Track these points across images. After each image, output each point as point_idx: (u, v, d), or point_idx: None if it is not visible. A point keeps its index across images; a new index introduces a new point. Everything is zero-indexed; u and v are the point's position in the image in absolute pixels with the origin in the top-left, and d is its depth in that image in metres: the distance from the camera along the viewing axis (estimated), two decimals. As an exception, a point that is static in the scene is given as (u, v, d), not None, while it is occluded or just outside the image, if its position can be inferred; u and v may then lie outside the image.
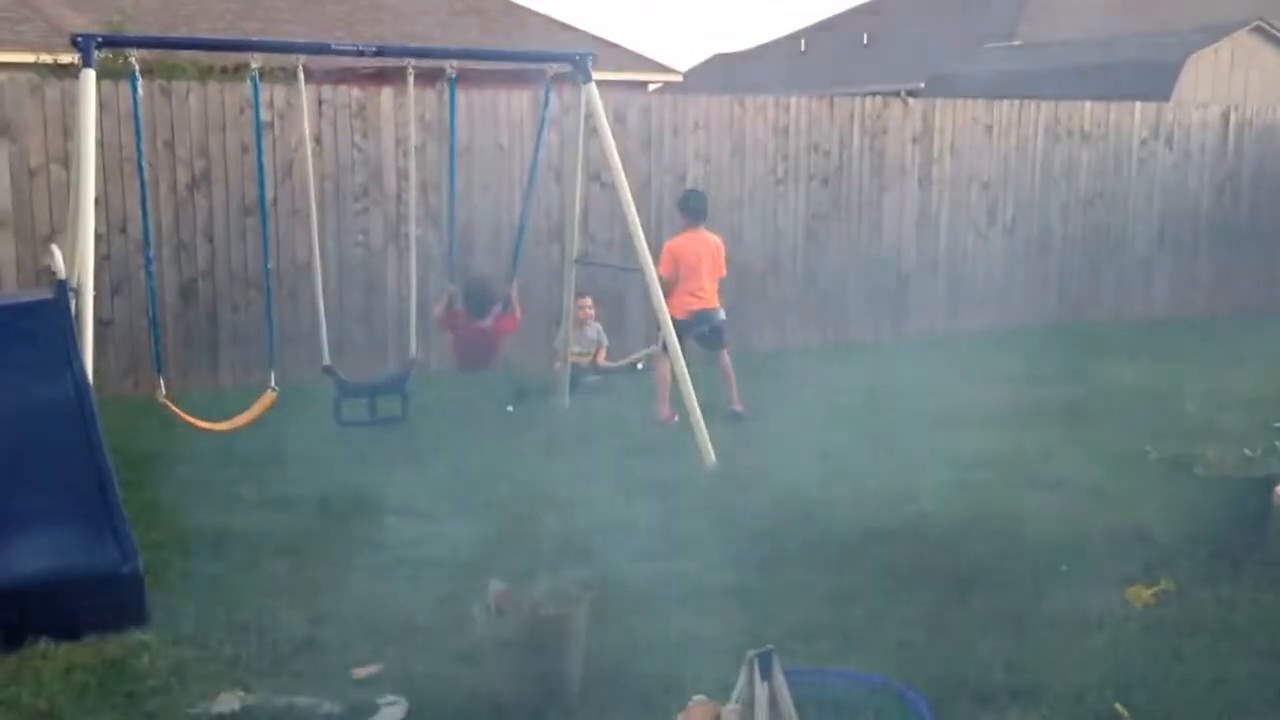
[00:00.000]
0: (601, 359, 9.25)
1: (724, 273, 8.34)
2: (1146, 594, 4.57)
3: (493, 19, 21.47)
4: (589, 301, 9.26)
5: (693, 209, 8.28)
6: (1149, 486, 5.64)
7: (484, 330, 7.68)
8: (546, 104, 7.88)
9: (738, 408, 8.00)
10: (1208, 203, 13.24)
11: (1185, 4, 25.73)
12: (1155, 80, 16.85)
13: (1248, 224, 13.46)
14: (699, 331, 8.06)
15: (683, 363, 7.06)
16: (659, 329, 7.44)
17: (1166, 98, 15.56)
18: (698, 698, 3.59)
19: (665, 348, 7.37)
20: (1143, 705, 3.66)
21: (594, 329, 9.22)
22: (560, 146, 9.71)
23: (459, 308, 7.68)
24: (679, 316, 7.66)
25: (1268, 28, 18.71)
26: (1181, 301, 13.19)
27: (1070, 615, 4.43)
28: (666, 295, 7.48)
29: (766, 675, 3.22)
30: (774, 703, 3.23)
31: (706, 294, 8.07)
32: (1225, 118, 13.25)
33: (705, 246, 8.13)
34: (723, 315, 8.21)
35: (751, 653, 3.24)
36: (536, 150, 8.12)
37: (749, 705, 3.22)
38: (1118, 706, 3.62)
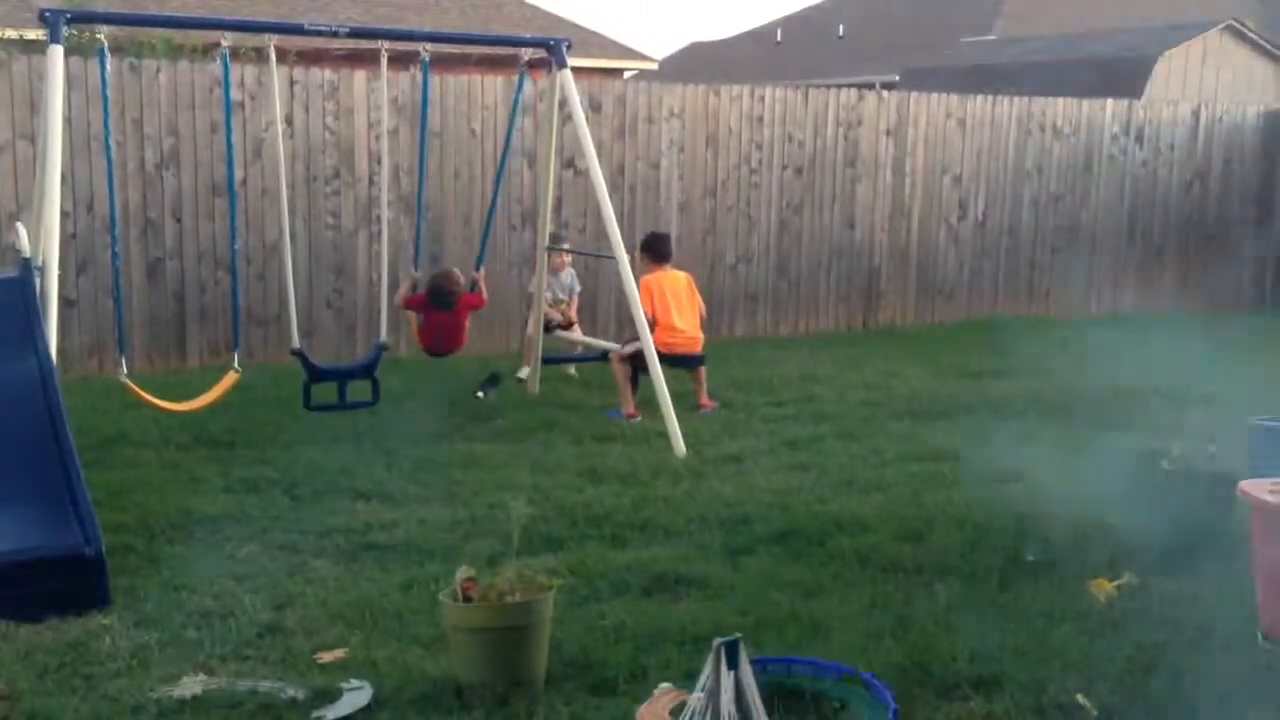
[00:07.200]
0: (574, 310, 9.08)
1: (703, 308, 8.21)
2: (1110, 587, 4.60)
3: (468, 3, 21.36)
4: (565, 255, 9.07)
5: (657, 251, 8.15)
6: (1114, 480, 5.68)
7: (446, 316, 7.61)
8: (520, 89, 7.84)
9: (705, 406, 7.94)
10: (1176, 199, 13.35)
11: (1159, 2, 25.89)
12: (1128, 77, 16.95)
13: (1216, 221, 13.57)
14: (674, 364, 7.78)
15: (658, 364, 7.02)
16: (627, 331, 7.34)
17: (1139, 94, 15.66)
18: (664, 686, 3.59)
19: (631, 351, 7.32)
20: (1105, 696, 3.68)
21: (569, 274, 9.06)
22: (534, 132, 9.67)
23: (422, 293, 7.62)
24: (659, 351, 7.36)
25: (1239, 27, 18.87)
26: (1149, 297, 13.28)
27: (1034, 607, 4.46)
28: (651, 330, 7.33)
29: (733, 664, 3.22)
30: (740, 692, 3.23)
31: (686, 336, 7.90)
32: (1195, 115, 13.35)
33: (676, 284, 8.01)
34: (701, 354, 8.04)
35: (718, 642, 3.24)
36: (509, 136, 8.07)
37: (715, 694, 3.22)
38: (1079, 697, 3.65)
